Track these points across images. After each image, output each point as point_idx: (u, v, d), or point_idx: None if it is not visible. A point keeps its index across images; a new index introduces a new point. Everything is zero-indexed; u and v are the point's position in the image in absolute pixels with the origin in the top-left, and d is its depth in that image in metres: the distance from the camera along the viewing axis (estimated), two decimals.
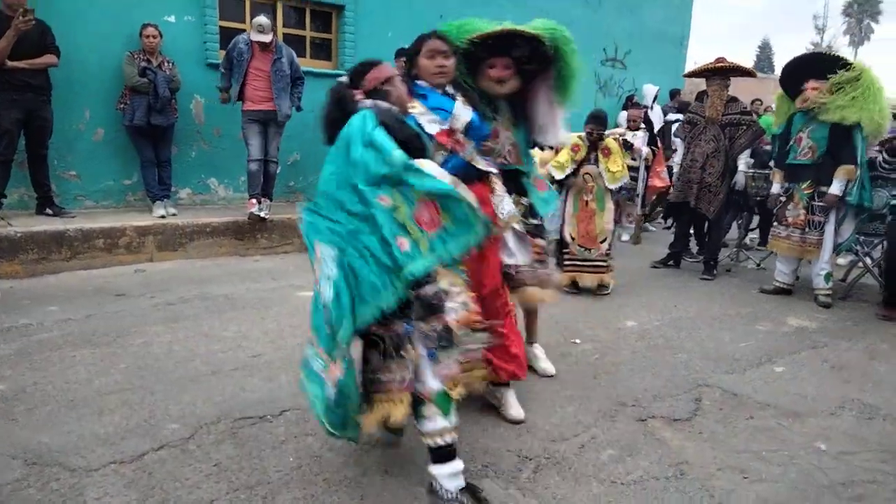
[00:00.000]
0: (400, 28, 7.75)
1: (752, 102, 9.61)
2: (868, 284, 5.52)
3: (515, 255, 2.90)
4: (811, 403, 3.10)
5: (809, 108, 4.85)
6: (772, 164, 5.80)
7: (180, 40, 6.27)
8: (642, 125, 7.14)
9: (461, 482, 2.10)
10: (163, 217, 5.70)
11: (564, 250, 5.11)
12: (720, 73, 5.60)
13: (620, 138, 5.77)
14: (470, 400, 2.91)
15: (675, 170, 6.04)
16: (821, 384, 3.36)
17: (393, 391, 2.01)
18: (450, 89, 2.78)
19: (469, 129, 2.72)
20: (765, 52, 44.65)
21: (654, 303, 4.87)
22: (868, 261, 5.41)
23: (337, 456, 2.42)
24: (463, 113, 2.72)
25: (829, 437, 2.75)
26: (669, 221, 6.49)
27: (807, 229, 4.96)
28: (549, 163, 5.07)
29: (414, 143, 2.12)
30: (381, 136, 2.01)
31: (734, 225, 7.16)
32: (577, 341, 3.88)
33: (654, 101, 9.72)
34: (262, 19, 5.74)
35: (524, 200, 3.14)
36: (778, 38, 72.09)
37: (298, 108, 6.15)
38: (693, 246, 6.40)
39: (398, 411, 2.01)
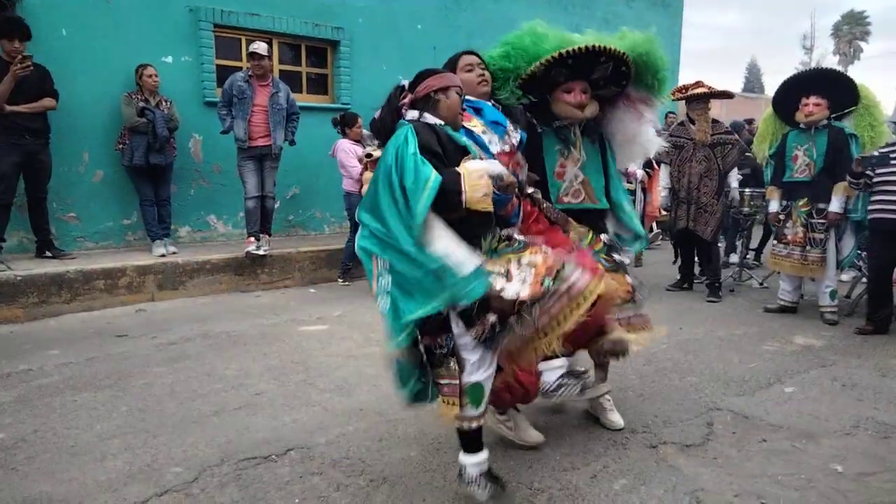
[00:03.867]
0: (394, 61, 7.86)
1: (751, 123, 9.71)
2: None
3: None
4: (824, 424, 3.05)
5: (808, 125, 4.87)
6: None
7: (178, 80, 6.34)
8: None
9: (484, 468, 2.30)
10: (163, 256, 5.69)
11: None
12: (701, 97, 5.71)
13: None
14: None
15: (662, 193, 6.11)
16: (833, 403, 3.30)
17: (446, 394, 2.22)
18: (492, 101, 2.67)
19: (521, 144, 2.62)
20: (753, 73, 45.21)
21: (660, 326, 4.82)
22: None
23: (343, 496, 2.36)
24: (516, 132, 2.62)
25: (845, 458, 2.69)
26: (677, 251, 6.48)
27: (807, 247, 4.94)
28: None
29: (457, 159, 2.15)
30: (415, 172, 1.99)
31: (737, 244, 7.15)
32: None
33: None
34: (260, 42, 5.94)
35: (604, 237, 2.94)
36: (766, 59, 73.30)
37: (292, 143, 6.20)
38: (696, 268, 6.38)
39: (449, 412, 2.22)
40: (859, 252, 5.22)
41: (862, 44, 45.96)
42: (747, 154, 6.75)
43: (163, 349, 4.12)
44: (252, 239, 5.90)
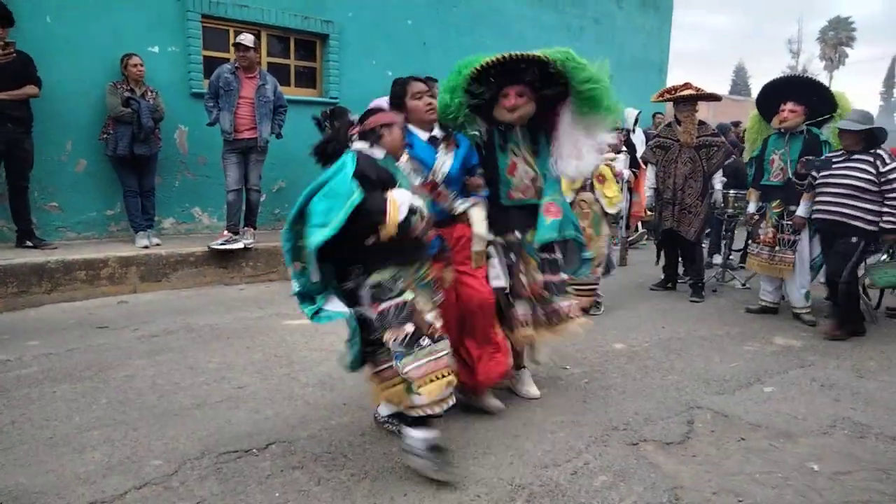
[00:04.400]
0: (383, 56, 7.83)
1: (737, 125, 9.80)
2: None
3: (501, 277, 3.07)
4: (802, 423, 3.09)
5: (783, 130, 4.99)
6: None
7: (164, 70, 6.28)
8: (623, 148, 7.21)
9: (430, 442, 2.47)
10: (146, 247, 5.63)
11: None
12: (688, 99, 5.76)
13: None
14: (458, 428, 2.87)
15: (647, 193, 6.15)
16: (811, 403, 3.35)
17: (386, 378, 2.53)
18: (436, 132, 2.99)
19: (448, 179, 2.93)
20: (740, 76, 45.64)
21: (643, 324, 4.87)
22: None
23: (324, 490, 2.36)
24: (444, 166, 2.93)
25: (822, 458, 2.73)
26: (660, 252, 6.54)
27: (777, 247, 5.04)
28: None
29: (389, 185, 2.46)
30: (339, 201, 2.31)
31: (721, 245, 7.20)
32: (568, 367, 3.85)
33: (635, 125, 9.84)
34: (246, 34, 5.92)
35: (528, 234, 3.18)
36: (753, 62, 74.00)
37: (279, 136, 6.16)
38: (679, 268, 6.43)
39: (386, 394, 2.56)
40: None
41: (847, 49, 46.53)
42: (732, 156, 6.81)
43: (144, 341, 4.09)
44: (225, 233, 5.87)
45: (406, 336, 2.42)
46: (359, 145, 2.55)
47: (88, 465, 2.49)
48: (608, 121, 3.19)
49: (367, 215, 2.33)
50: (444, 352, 2.50)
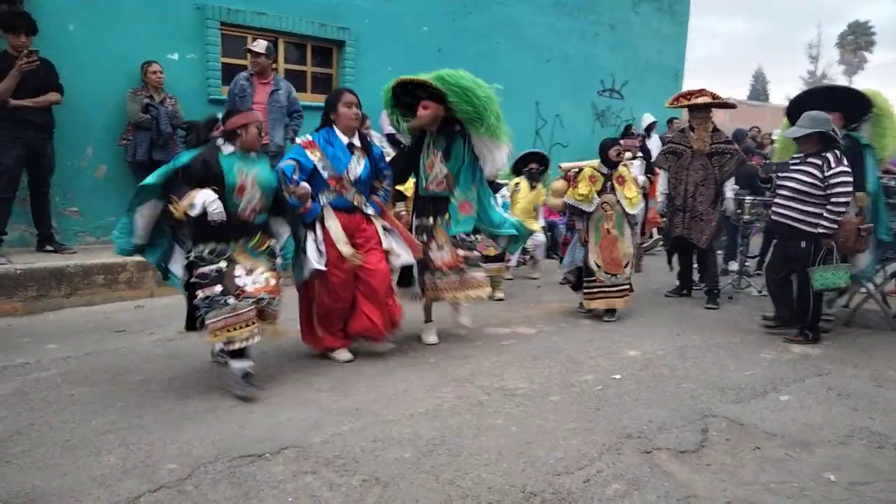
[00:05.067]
0: (398, 62, 7.87)
1: (751, 129, 9.71)
2: (872, 310, 5.48)
3: (401, 254, 3.92)
4: (819, 432, 3.05)
5: None
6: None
7: (183, 77, 6.37)
8: (639, 154, 7.19)
9: (243, 371, 3.30)
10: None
11: (590, 278, 5.16)
12: (703, 106, 5.71)
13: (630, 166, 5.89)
14: (470, 435, 2.87)
15: (660, 199, 6.12)
16: (828, 412, 3.30)
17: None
18: (356, 140, 3.79)
19: (358, 180, 3.77)
20: (759, 82, 45.18)
21: (658, 332, 4.84)
22: (871, 286, 5.37)
23: (335, 495, 2.37)
24: (356, 168, 3.77)
25: (839, 468, 2.70)
26: (671, 258, 6.51)
27: None
28: (564, 192, 5.39)
29: (211, 183, 3.24)
30: (160, 170, 3.26)
31: (737, 252, 7.14)
32: (618, 376, 3.84)
33: (652, 131, 9.80)
34: (259, 41, 6.01)
35: (439, 219, 4.20)
36: (771, 67, 73.10)
37: (293, 141, 6.22)
38: (695, 274, 6.38)
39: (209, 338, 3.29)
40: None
41: (866, 54, 45.94)
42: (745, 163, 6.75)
43: (160, 345, 4.14)
44: None
45: (213, 295, 3.20)
46: (220, 143, 3.36)
47: (104, 468, 2.52)
48: (494, 133, 4.03)
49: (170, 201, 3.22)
50: (246, 309, 3.23)
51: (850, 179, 4.38)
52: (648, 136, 9.64)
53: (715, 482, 2.55)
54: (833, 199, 4.36)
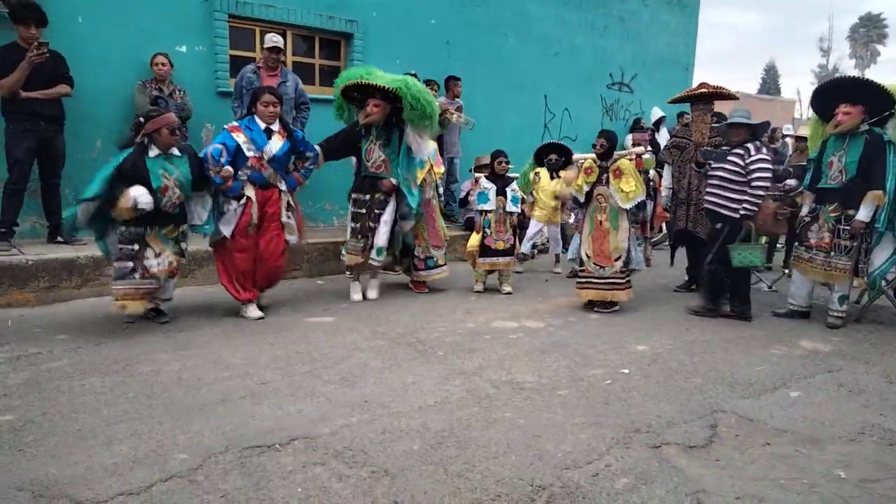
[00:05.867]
0: (407, 55, 7.85)
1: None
2: (884, 306, 5.45)
3: (293, 236, 4.85)
4: (829, 429, 3.04)
5: (842, 133, 4.74)
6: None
7: (191, 70, 6.37)
8: (648, 148, 7.16)
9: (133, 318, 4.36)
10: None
11: (581, 268, 5.28)
12: (703, 98, 5.68)
13: (636, 158, 5.83)
14: (479, 427, 2.87)
15: (664, 193, 6.11)
16: (838, 409, 3.29)
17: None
18: (274, 126, 4.61)
19: (273, 158, 4.60)
20: (770, 75, 44.77)
21: (666, 326, 4.83)
22: (882, 283, 5.33)
23: (345, 486, 2.38)
24: (273, 148, 4.59)
25: (849, 464, 2.68)
26: (674, 252, 6.50)
27: (832, 253, 4.79)
28: (572, 183, 5.46)
29: (137, 180, 4.04)
30: (103, 174, 4.07)
31: None
32: (627, 370, 3.83)
33: (662, 125, 9.75)
34: (278, 36, 6.03)
35: (378, 196, 5.28)
36: (782, 61, 72.51)
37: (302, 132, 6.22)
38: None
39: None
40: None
41: (879, 47, 45.46)
42: None
43: (170, 337, 4.16)
44: None
45: (124, 269, 4.11)
46: (137, 145, 4.13)
47: (116, 457, 2.54)
48: (429, 126, 5.22)
49: (111, 198, 4.02)
50: (146, 287, 4.18)
51: (769, 167, 4.85)
52: (658, 130, 9.59)
53: (724, 477, 2.54)
54: (753, 184, 4.79)
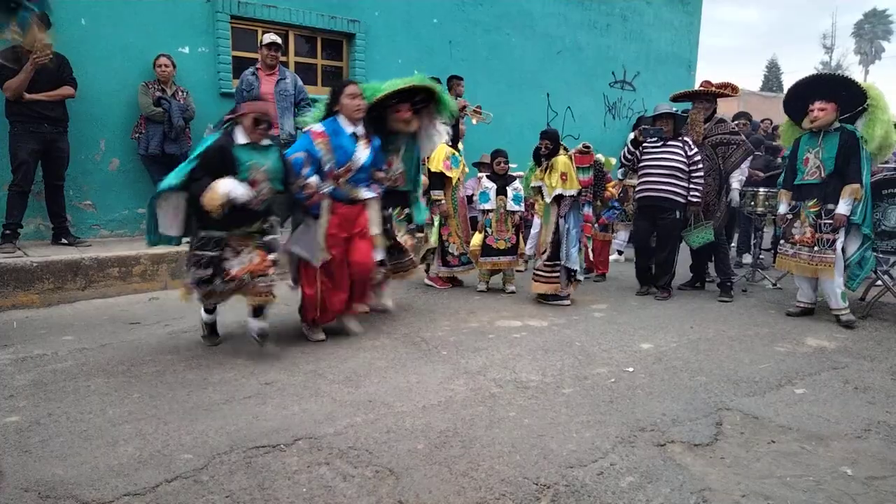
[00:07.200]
0: (409, 54, 7.86)
1: (762, 121, 9.59)
2: (889, 303, 5.43)
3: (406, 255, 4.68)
4: (835, 426, 3.03)
5: (817, 129, 4.85)
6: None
7: (194, 71, 6.39)
8: None
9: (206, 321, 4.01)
10: (177, 245, 5.72)
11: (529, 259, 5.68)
12: (702, 96, 5.70)
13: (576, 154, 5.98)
14: (483, 426, 2.87)
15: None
16: (844, 406, 3.28)
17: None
18: (359, 129, 3.95)
19: (360, 169, 3.95)
20: (773, 72, 44.60)
21: (671, 324, 4.82)
22: (887, 279, 5.32)
23: (349, 486, 2.38)
24: (361, 157, 3.94)
25: (855, 462, 2.67)
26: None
27: (816, 247, 4.87)
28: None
29: (223, 171, 3.46)
30: (183, 165, 3.57)
31: (751, 244, 7.09)
32: (631, 369, 3.83)
33: None
34: (273, 34, 6.08)
35: (406, 212, 4.84)
36: (786, 58, 72.28)
37: (302, 129, 6.23)
38: (711, 269, 6.34)
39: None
40: (877, 256, 5.14)
41: (884, 43, 45.27)
42: (757, 154, 6.73)
43: (175, 337, 4.17)
44: None
45: (204, 276, 3.60)
46: (221, 131, 3.60)
47: (122, 457, 2.54)
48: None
49: (194, 195, 3.46)
50: (223, 289, 3.64)
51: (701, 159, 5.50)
52: None
53: (729, 475, 2.54)
54: (696, 175, 5.47)
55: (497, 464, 2.57)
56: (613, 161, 6.48)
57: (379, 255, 4.20)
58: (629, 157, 5.77)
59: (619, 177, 7.04)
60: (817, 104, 4.81)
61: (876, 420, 3.10)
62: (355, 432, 2.82)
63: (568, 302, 5.34)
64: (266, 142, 3.65)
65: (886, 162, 5.68)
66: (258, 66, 6.02)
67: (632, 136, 5.84)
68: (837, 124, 4.83)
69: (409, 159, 4.61)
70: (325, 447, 2.68)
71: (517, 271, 6.21)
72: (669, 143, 5.51)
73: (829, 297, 4.96)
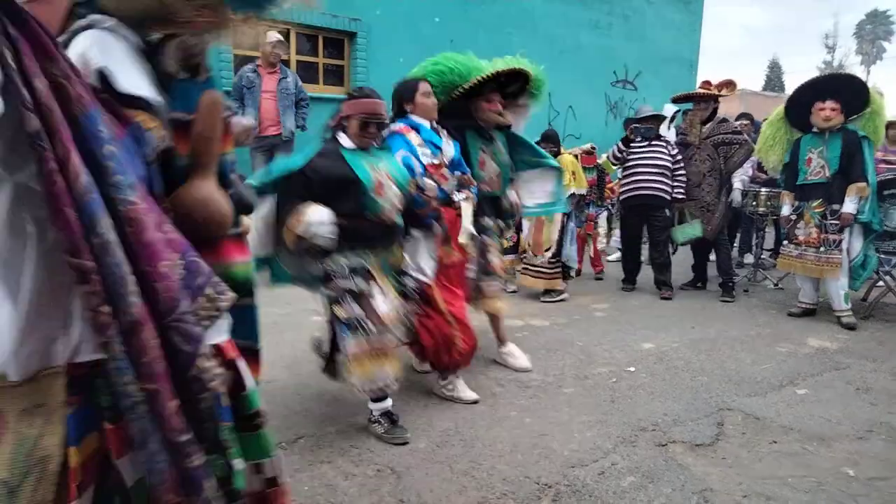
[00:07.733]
0: (410, 54, 7.82)
1: (764, 121, 9.57)
2: (891, 304, 5.42)
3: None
4: (837, 427, 3.02)
5: (825, 130, 4.81)
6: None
7: None
8: None
9: (383, 410, 2.80)
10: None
11: (523, 255, 5.62)
12: (703, 97, 5.71)
13: (582, 155, 6.19)
14: (484, 426, 2.87)
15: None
16: (846, 407, 3.27)
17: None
18: (435, 124, 3.27)
19: (451, 164, 3.20)
20: (775, 72, 44.57)
21: (672, 324, 4.81)
22: (889, 279, 5.31)
23: (351, 485, 2.38)
24: (448, 148, 3.21)
25: (857, 463, 2.67)
26: (675, 249, 6.51)
27: (822, 248, 4.85)
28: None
29: (333, 184, 2.63)
30: (279, 166, 2.73)
31: (753, 244, 7.08)
32: (633, 368, 3.82)
33: (670, 123, 9.71)
34: (275, 32, 6.06)
35: (500, 222, 3.69)
36: (787, 58, 72.28)
37: (303, 129, 6.25)
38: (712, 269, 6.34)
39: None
40: (879, 256, 5.13)
41: (885, 43, 45.24)
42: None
43: None
44: None
45: (354, 317, 2.59)
46: (338, 134, 2.76)
47: None
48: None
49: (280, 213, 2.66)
50: (386, 341, 2.67)
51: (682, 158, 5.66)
52: (668, 128, 9.55)
53: (731, 476, 2.53)
54: (679, 173, 5.61)
55: (498, 463, 2.57)
56: (605, 157, 6.51)
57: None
58: (619, 155, 5.87)
59: (620, 176, 7.03)
60: (829, 103, 4.76)
61: (878, 421, 3.10)
62: (357, 431, 2.83)
63: (567, 296, 5.44)
64: (374, 146, 2.82)
65: (891, 163, 5.69)
66: (258, 62, 6.02)
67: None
68: (840, 124, 4.80)
69: (503, 160, 3.66)
70: (326, 446, 2.68)
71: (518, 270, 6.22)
72: (654, 142, 5.67)
73: (833, 298, 4.95)
